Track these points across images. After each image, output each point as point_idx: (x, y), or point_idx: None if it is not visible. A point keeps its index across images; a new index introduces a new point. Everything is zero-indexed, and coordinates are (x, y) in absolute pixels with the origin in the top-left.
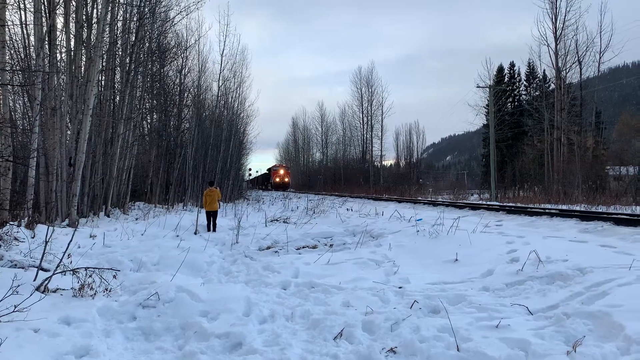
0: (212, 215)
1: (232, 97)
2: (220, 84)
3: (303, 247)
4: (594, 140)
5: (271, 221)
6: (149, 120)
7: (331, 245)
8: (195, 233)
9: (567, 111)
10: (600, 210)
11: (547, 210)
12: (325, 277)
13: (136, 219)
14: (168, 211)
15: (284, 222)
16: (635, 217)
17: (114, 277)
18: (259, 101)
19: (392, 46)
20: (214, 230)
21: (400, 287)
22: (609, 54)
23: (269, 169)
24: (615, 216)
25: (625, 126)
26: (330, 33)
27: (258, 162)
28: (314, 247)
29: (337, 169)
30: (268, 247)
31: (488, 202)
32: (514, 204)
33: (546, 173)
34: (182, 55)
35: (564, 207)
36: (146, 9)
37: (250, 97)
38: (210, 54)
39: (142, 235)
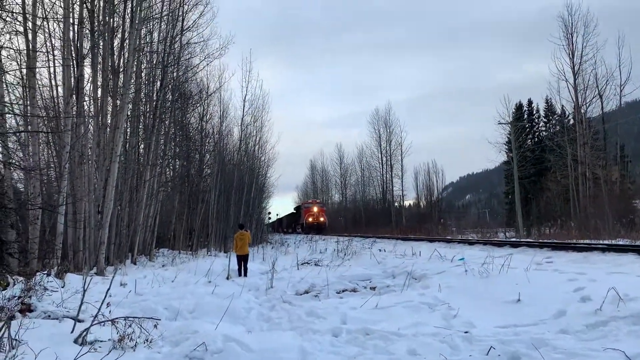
0: (243, 260)
1: (253, 142)
2: (243, 128)
3: (343, 291)
4: (619, 174)
5: (302, 264)
6: (171, 167)
7: (373, 288)
8: (227, 278)
9: (590, 145)
10: None
11: (593, 246)
12: (379, 323)
13: (163, 266)
14: (193, 257)
15: (315, 264)
16: None
17: (155, 326)
18: (279, 145)
19: (405, 88)
20: (245, 274)
21: (466, 332)
22: (630, 86)
23: (297, 207)
24: None
25: None
26: (341, 78)
27: (277, 205)
28: (354, 290)
29: (357, 209)
30: (306, 292)
31: (526, 240)
32: (554, 241)
33: (572, 208)
34: (204, 103)
35: (607, 242)
36: (170, 57)
37: (271, 140)
38: (231, 100)
39: (172, 282)
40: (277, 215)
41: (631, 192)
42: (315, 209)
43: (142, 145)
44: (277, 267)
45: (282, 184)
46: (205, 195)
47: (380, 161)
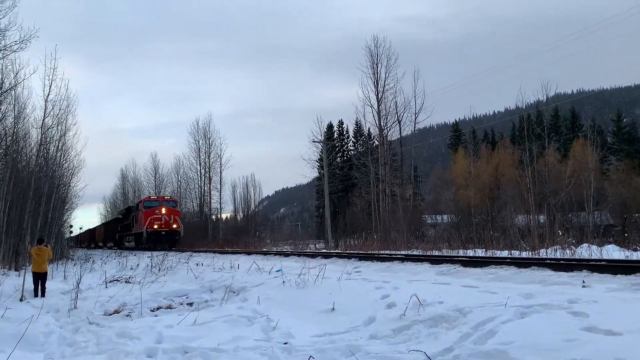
0: (40, 278)
1: (55, 147)
2: (43, 132)
3: (158, 309)
4: (413, 191)
5: (110, 281)
6: None
7: (190, 304)
8: (21, 300)
9: (389, 165)
10: (447, 254)
11: (394, 256)
12: (198, 339)
13: None
14: None
15: (126, 282)
16: (477, 259)
17: None
18: (86, 151)
19: (221, 101)
20: (43, 295)
21: (285, 343)
22: (423, 115)
23: (128, 209)
24: (460, 259)
25: (438, 179)
26: (153, 86)
27: (81, 219)
28: (169, 307)
29: None
30: (116, 311)
31: (336, 251)
32: (360, 252)
33: (374, 222)
34: None
35: (404, 252)
36: None
37: (77, 146)
38: (30, 99)
39: None
40: (81, 228)
41: (422, 208)
42: (163, 210)
43: None
44: (82, 286)
45: (88, 195)
46: None
47: (198, 173)
